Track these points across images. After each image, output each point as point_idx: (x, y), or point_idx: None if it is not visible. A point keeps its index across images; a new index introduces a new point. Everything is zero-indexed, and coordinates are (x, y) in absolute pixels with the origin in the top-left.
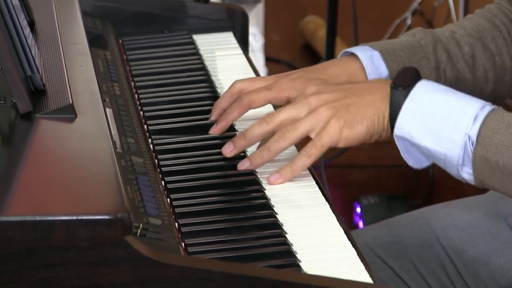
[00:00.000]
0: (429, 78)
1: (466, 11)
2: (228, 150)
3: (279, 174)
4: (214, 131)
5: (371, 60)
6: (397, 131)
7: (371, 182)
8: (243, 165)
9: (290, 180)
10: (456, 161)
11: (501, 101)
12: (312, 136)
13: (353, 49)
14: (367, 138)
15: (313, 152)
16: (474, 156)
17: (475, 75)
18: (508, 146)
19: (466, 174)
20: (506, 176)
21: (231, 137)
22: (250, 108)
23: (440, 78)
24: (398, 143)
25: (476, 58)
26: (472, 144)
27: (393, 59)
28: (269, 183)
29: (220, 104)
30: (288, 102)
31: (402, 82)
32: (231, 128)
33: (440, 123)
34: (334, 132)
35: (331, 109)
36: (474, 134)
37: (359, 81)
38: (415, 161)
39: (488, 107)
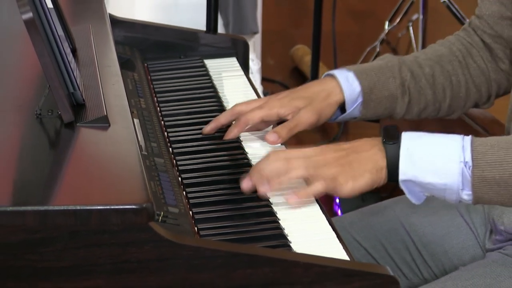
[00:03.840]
0: (395, 94)
1: (424, 41)
2: (245, 185)
3: (295, 195)
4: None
5: (346, 79)
6: (402, 176)
7: None
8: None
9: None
10: (457, 186)
11: (456, 116)
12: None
13: (332, 72)
14: (369, 188)
15: (327, 187)
16: (473, 177)
17: (435, 91)
18: (500, 162)
19: (466, 196)
20: (503, 187)
21: (234, 147)
22: (247, 126)
23: (405, 92)
24: (403, 187)
25: (436, 77)
26: (469, 168)
27: (365, 77)
28: (289, 203)
29: (220, 120)
30: (278, 117)
31: (391, 138)
32: (237, 142)
33: (435, 160)
34: (343, 183)
35: (338, 166)
36: (469, 159)
37: (354, 142)
38: (417, 199)
39: (466, 137)
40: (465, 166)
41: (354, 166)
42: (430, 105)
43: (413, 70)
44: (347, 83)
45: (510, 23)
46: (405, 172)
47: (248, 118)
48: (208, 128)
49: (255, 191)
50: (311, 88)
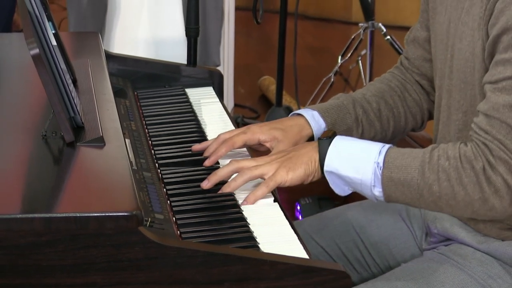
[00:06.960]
0: (351, 127)
1: (371, 72)
2: (204, 184)
3: (245, 201)
4: (208, 162)
5: (312, 117)
6: (326, 167)
7: (307, 188)
8: (221, 190)
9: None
10: (369, 183)
11: (397, 139)
12: (265, 178)
13: (299, 111)
14: (305, 178)
15: (269, 184)
16: (382, 177)
17: (381, 122)
18: (405, 166)
19: (377, 192)
20: (406, 187)
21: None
22: (233, 147)
23: (359, 125)
24: (327, 177)
25: (381, 111)
26: (380, 169)
27: (328, 115)
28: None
29: (209, 148)
30: (259, 142)
31: (325, 136)
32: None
33: (355, 159)
34: (283, 174)
35: (279, 162)
36: (381, 161)
37: (298, 145)
38: (339, 190)
39: (387, 145)
40: (377, 166)
41: (293, 160)
42: (378, 134)
43: (363, 106)
44: (313, 120)
45: (431, 65)
46: (328, 164)
47: (234, 140)
48: (197, 147)
49: (228, 199)
50: (286, 122)
